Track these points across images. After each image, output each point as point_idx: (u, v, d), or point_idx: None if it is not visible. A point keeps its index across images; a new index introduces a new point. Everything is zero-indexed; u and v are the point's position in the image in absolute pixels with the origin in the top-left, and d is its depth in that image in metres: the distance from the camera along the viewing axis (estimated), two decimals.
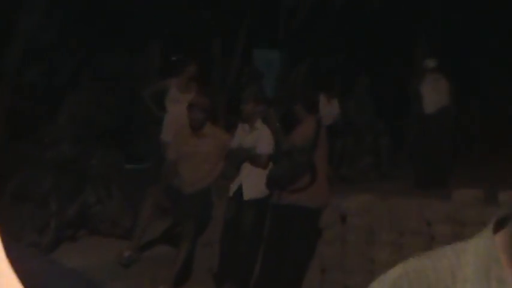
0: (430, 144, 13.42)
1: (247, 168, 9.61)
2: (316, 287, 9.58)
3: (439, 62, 13.50)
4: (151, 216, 9.68)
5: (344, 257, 9.44)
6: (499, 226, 1.28)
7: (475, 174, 12.63)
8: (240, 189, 9.60)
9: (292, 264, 9.38)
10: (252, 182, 9.57)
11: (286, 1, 15.45)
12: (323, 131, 9.82)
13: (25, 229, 9.75)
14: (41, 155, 11.23)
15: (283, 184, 9.38)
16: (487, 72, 17.89)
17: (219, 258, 9.56)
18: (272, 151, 9.64)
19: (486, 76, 17.93)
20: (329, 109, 11.78)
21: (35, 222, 10.04)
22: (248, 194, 9.51)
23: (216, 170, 9.97)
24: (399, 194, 10.74)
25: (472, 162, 14.61)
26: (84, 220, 10.80)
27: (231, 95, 12.22)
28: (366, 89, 14.04)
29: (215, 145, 9.88)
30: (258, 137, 9.67)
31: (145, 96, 11.67)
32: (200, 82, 11.52)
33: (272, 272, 9.30)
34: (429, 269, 1.33)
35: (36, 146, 11.78)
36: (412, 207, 9.28)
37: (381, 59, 15.65)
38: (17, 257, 1.44)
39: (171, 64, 13.46)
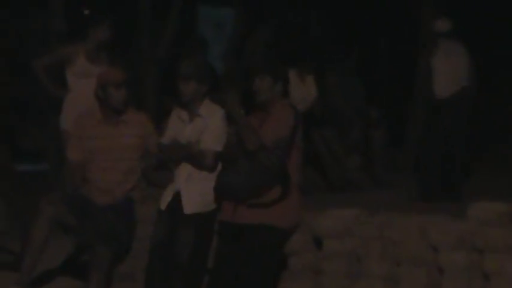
0: (442, 141, 13.13)
1: (186, 171, 9.18)
2: None
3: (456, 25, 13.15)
4: (47, 237, 9.12)
5: None
6: None
7: (500, 185, 12.55)
8: (176, 199, 9.13)
9: None
10: (194, 190, 9.15)
11: None
12: (300, 124, 9.42)
13: None
14: None
15: (240, 197, 8.88)
16: None
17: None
18: (221, 147, 9.19)
19: None
20: (302, 91, 11.61)
21: None
22: (189, 206, 9.09)
23: (139, 171, 9.63)
24: (396, 208, 10.22)
25: (497, 168, 14.40)
26: None
27: (166, 69, 11.88)
28: (354, 64, 13.81)
29: (137, 136, 9.56)
30: (202, 128, 9.24)
31: (37, 68, 11.08)
32: (115, 50, 11.02)
33: None
34: None
35: None
36: (413, 227, 8.71)
37: (375, 24, 15.19)
38: None
39: (79, 23, 13.00)
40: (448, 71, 13.10)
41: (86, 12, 11.94)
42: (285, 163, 8.95)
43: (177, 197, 9.06)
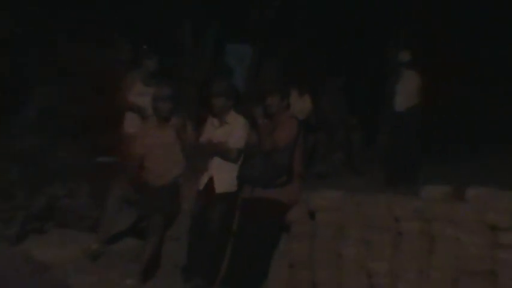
0: (400, 142, 13.71)
1: (217, 162, 9.89)
2: (284, 283, 9.50)
3: (413, 56, 13.61)
4: (117, 209, 9.95)
5: (312, 253, 9.33)
6: None
7: (446, 172, 12.89)
8: (210, 182, 9.87)
9: (261, 259, 9.50)
10: (223, 176, 9.86)
11: None
12: (301, 130, 10.11)
13: None
14: (8, 146, 11.42)
15: (258, 184, 9.66)
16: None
17: (187, 253, 9.70)
18: (243, 145, 9.91)
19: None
20: (300, 105, 12.01)
21: (1, 214, 10.23)
22: (219, 187, 9.81)
23: (183, 162, 10.28)
24: (369, 190, 10.99)
25: (444, 160, 14.96)
26: (52, 213, 11.03)
27: (202, 89, 12.38)
28: (339, 85, 14.30)
29: (181, 136, 10.17)
30: (229, 131, 9.98)
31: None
32: (162, 76, 11.64)
33: (240, 266, 9.37)
34: None
35: (2, 138, 11.96)
36: (381, 204, 9.21)
37: (355, 56, 15.79)
38: None
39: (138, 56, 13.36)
40: (405, 92, 13.47)
41: (144, 47, 12.27)
42: (292, 160, 9.65)
43: (211, 181, 9.80)
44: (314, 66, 14.70)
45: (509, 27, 17.34)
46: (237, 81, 13.54)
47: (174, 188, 10.16)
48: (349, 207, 9.26)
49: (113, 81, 13.00)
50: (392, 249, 8.81)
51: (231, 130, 9.99)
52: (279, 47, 15.40)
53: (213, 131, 10.11)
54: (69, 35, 14.81)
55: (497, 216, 8.12)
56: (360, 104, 15.14)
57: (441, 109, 16.27)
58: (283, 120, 9.86)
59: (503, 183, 9.58)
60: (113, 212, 9.88)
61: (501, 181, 10.16)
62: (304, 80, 13.02)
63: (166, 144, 10.15)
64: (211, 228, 9.51)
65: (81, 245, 10.23)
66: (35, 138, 11.92)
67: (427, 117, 14.31)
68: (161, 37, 15.15)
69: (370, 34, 15.90)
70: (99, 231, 10.19)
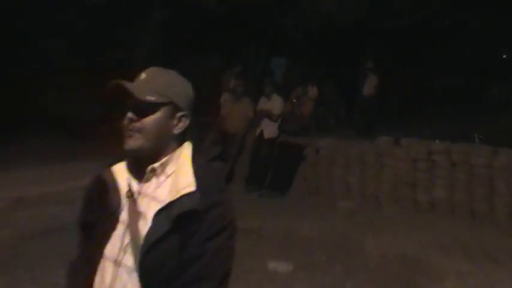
0: (364, 112, 14.03)
1: (266, 121, 10.72)
2: (301, 187, 10.44)
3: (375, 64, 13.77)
4: (211, 144, 10.59)
5: (317, 171, 10.41)
6: None
7: (395, 127, 13.00)
8: (261, 132, 10.74)
9: (289, 174, 10.55)
10: (269, 129, 10.69)
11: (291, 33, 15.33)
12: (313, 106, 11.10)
13: None
14: None
15: (290, 134, 10.56)
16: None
17: (248, 170, 10.70)
18: (280, 112, 10.59)
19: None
20: (313, 91, 12.27)
21: None
22: (267, 135, 10.67)
23: (248, 121, 10.78)
24: (349, 138, 11.55)
25: (394, 119, 14.55)
26: None
27: (259, 82, 12.84)
28: (332, 81, 14.75)
29: (246, 107, 10.72)
30: (272, 104, 10.66)
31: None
32: (240, 74, 11.80)
33: (277, 178, 10.42)
34: None
35: None
36: (354, 145, 10.25)
37: (341, 64, 15.69)
38: None
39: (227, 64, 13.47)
40: (368, 86, 13.78)
41: (233, 60, 12.62)
42: (308, 122, 10.65)
43: (261, 131, 10.69)
44: (317, 70, 14.72)
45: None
46: (277, 78, 13.88)
47: (242, 135, 10.83)
48: (338, 147, 10.33)
49: (212, 78, 13.38)
50: (362, 169, 9.85)
51: (273, 104, 10.68)
52: (299, 59, 15.58)
53: (264, 104, 10.82)
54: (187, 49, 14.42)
55: (417, 153, 9.14)
56: (345, 91, 15.02)
57: (393, 91, 15.64)
58: (304, 101, 10.99)
59: (434, 132, 10.43)
60: (208, 146, 10.54)
61: (433, 130, 10.82)
62: (314, 78, 13.09)
63: (239, 110, 10.63)
64: (262, 156, 10.60)
65: None
66: None
67: (385, 95, 14.14)
68: (237, 52, 15.45)
69: (348, 50, 15.64)
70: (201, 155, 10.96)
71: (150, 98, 2.04)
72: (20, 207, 8.44)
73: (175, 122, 2.11)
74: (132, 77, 2.15)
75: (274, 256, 6.77)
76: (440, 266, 6.52)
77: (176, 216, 1.99)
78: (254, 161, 10.70)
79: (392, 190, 9.31)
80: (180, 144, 2.17)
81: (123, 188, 2.15)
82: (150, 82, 2.10)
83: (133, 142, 2.05)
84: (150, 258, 1.99)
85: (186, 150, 2.15)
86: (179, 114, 2.12)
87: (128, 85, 2.03)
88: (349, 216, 8.86)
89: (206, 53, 14.52)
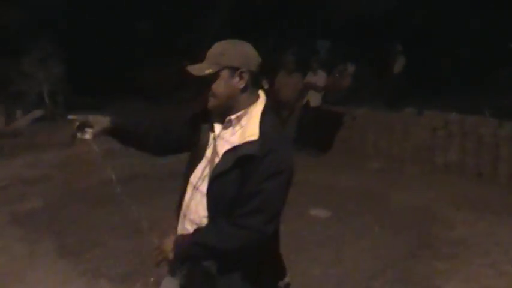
0: (394, 86, 13.07)
1: (312, 92, 10.45)
2: (338, 148, 10.28)
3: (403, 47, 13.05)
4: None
5: (352, 135, 10.40)
6: None
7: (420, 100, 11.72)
8: (308, 101, 10.49)
9: (329, 136, 10.45)
10: (314, 99, 10.49)
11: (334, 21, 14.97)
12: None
13: None
14: None
15: (330, 104, 10.68)
16: None
17: (295, 133, 10.05)
18: (324, 85, 10.44)
19: None
20: (350, 68, 11.52)
21: None
22: (312, 103, 10.46)
23: (297, 92, 10.42)
24: (379, 108, 11.13)
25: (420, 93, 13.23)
26: None
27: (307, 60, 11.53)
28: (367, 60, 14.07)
29: (297, 81, 10.37)
30: (318, 78, 10.43)
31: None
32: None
33: (320, 140, 10.19)
34: None
35: None
36: (384, 114, 10.22)
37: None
38: None
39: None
40: (397, 65, 12.92)
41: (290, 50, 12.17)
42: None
43: (308, 101, 10.44)
44: (355, 51, 13.95)
45: None
46: (322, 57, 13.46)
47: (292, 103, 10.37)
48: (370, 116, 10.37)
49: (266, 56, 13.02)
50: (389, 135, 9.76)
51: (318, 78, 10.41)
52: (340, 41, 14.74)
53: (311, 78, 10.47)
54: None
55: (436, 123, 9.13)
56: (377, 69, 14.02)
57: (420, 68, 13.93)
58: (344, 76, 10.99)
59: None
60: None
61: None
62: (352, 57, 12.29)
63: (290, 83, 10.33)
64: (307, 122, 10.28)
65: None
66: None
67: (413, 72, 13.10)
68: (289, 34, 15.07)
69: (381, 35, 14.53)
70: None
71: (208, 71, 2.19)
72: (108, 157, 8.60)
73: (236, 79, 2.22)
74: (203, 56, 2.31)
75: (316, 204, 6.89)
76: (451, 217, 6.62)
77: (238, 158, 2.15)
78: (301, 125, 10.49)
79: (414, 153, 9.35)
80: (255, 97, 2.31)
81: (212, 132, 2.36)
82: (208, 57, 2.25)
83: (210, 103, 2.25)
84: (215, 187, 2.19)
85: (259, 106, 2.28)
86: (238, 72, 2.22)
87: (189, 68, 2.22)
88: (378, 173, 8.90)
89: (263, 34, 14.07)
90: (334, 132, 10.62)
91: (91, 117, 2.45)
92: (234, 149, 2.19)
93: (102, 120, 2.47)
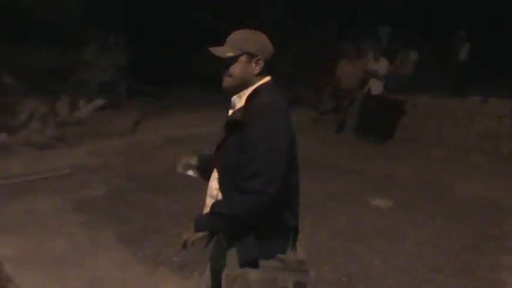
0: (459, 73, 12.75)
1: (374, 80, 10.57)
2: (400, 136, 10.23)
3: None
4: (327, 98, 11.08)
5: (415, 123, 10.31)
6: None
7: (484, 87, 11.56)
8: (369, 89, 10.62)
9: (391, 125, 10.41)
10: (376, 86, 10.62)
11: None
12: None
13: None
14: None
15: (392, 91, 10.56)
16: None
17: (357, 121, 10.53)
18: (386, 72, 10.51)
19: None
20: (412, 56, 11.84)
21: None
22: (374, 91, 10.61)
23: (359, 80, 10.60)
24: (442, 96, 11.00)
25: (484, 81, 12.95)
26: None
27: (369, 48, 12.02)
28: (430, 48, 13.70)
29: (358, 69, 10.59)
30: (380, 66, 10.57)
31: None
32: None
33: (382, 128, 10.28)
34: None
35: None
36: (448, 102, 10.24)
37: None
38: None
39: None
40: (462, 53, 12.57)
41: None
42: None
43: (370, 89, 10.60)
44: (417, 38, 13.59)
45: None
46: (384, 45, 13.25)
47: (354, 90, 10.64)
48: (433, 104, 10.31)
49: (327, 44, 13.02)
50: (453, 123, 9.81)
51: (380, 66, 10.55)
52: (402, 29, 14.08)
53: (372, 66, 10.63)
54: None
55: (502, 111, 9.21)
56: (440, 57, 13.44)
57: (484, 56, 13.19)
58: (406, 64, 11.08)
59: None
60: (326, 100, 11.06)
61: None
62: (414, 45, 12.35)
63: (352, 71, 10.54)
64: (369, 110, 10.38)
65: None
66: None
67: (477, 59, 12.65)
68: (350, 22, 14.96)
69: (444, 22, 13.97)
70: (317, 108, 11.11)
71: (229, 54, 2.41)
72: (168, 145, 8.79)
73: (253, 65, 2.42)
74: None
75: (377, 194, 6.84)
76: None
77: (226, 123, 2.40)
78: (363, 114, 10.55)
79: (479, 142, 9.32)
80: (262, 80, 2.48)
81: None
82: (229, 41, 2.46)
83: (226, 83, 2.45)
84: (221, 156, 2.40)
85: (261, 81, 2.45)
86: (255, 59, 2.42)
87: (212, 49, 2.43)
88: (441, 162, 8.82)
89: (324, 22, 14.02)
90: (396, 121, 10.57)
91: (193, 161, 2.80)
92: (229, 118, 2.43)
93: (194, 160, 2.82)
